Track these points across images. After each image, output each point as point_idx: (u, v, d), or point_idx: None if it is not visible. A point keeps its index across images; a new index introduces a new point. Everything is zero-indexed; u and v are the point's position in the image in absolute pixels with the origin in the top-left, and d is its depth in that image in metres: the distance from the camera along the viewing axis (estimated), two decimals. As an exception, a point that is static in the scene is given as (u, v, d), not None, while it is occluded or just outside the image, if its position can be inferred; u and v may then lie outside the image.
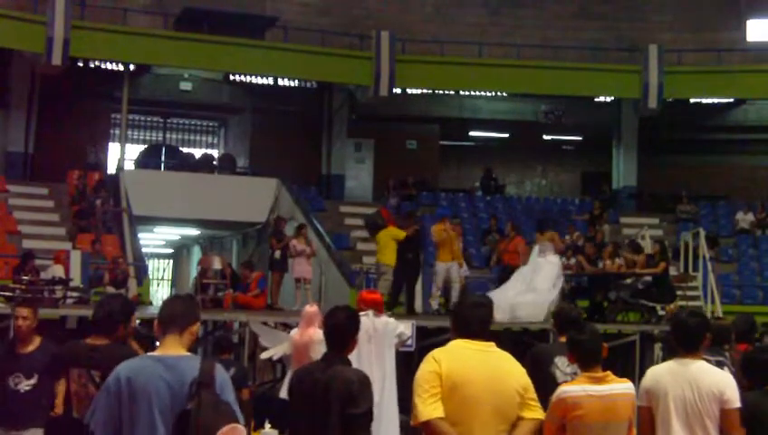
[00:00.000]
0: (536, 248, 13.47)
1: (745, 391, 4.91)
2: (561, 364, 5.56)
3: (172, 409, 3.74)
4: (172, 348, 3.88)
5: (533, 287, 13.00)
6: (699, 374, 4.73)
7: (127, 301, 5.55)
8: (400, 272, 14.08)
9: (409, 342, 7.98)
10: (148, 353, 4.02)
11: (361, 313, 6.79)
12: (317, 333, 7.18)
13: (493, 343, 4.28)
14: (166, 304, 4.17)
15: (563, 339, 5.64)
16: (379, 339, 7.28)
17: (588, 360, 4.63)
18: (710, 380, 4.70)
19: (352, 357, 4.68)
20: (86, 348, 4.88)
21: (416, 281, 14.33)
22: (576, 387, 4.57)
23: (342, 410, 4.23)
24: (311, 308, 7.80)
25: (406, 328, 7.71)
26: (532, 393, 4.23)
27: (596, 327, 5.06)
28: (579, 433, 4.50)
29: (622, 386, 4.60)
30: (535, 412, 4.20)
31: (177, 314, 3.96)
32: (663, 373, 4.85)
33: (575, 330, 4.85)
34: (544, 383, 5.31)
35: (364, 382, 4.35)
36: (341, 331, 4.56)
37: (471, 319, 4.29)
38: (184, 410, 3.68)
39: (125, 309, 5.05)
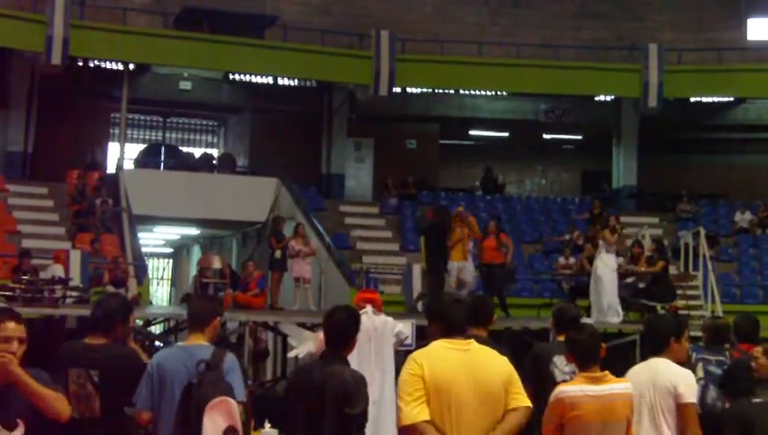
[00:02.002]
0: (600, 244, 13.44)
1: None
2: (560, 363, 5.55)
3: (186, 381, 4.54)
4: (195, 340, 4.78)
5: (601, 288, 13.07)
6: (658, 371, 4.85)
7: (125, 300, 5.55)
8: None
9: (408, 341, 7.97)
10: (177, 344, 4.90)
11: (361, 311, 6.83)
12: None
13: (472, 340, 4.24)
14: (193, 304, 5.14)
15: (562, 338, 5.64)
16: (378, 338, 7.29)
17: (586, 359, 4.62)
18: (666, 376, 4.81)
19: (352, 356, 4.68)
20: (85, 348, 4.87)
21: (433, 277, 13.67)
22: (574, 387, 4.56)
23: (338, 410, 4.24)
24: None
25: (405, 327, 7.71)
26: (518, 383, 4.17)
27: (594, 327, 5.07)
28: (577, 433, 4.50)
29: (620, 386, 4.60)
30: (521, 401, 4.15)
31: (201, 313, 4.85)
32: (632, 373, 4.97)
33: (574, 329, 4.86)
34: (544, 383, 5.32)
35: (360, 383, 4.35)
36: (341, 330, 4.57)
37: (450, 317, 4.24)
38: (189, 383, 4.48)
39: (123, 308, 5.06)
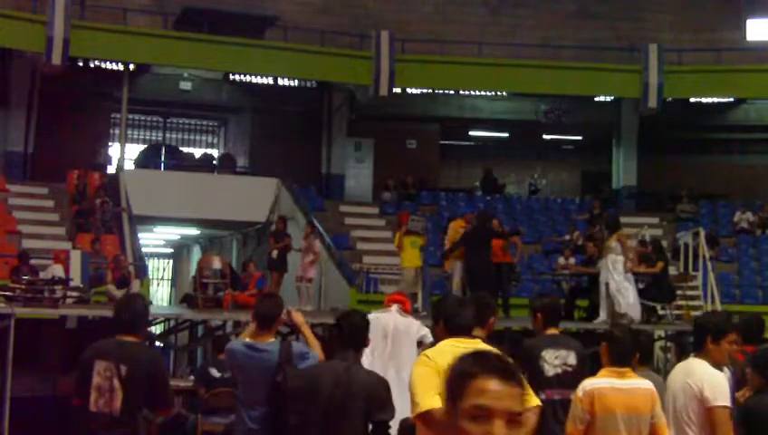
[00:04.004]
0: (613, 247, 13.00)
1: (754, 390, 4.90)
2: (549, 357, 5.66)
3: (263, 378, 5.15)
4: (260, 337, 5.35)
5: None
6: (691, 372, 4.77)
7: (144, 299, 5.64)
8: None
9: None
10: (244, 340, 5.48)
11: (387, 309, 7.06)
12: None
13: (479, 340, 4.28)
14: (261, 302, 5.69)
15: (551, 331, 5.79)
16: (397, 338, 7.20)
17: (620, 358, 4.69)
18: (694, 378, 4.71)
19: (366, 353, 4.72)
20: (118, 343, 4.93)
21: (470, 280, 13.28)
22: (602, 380, 4.65)
23: (369, 416, 4.26)
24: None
25: (429, 332, 7.62)
26: (526, 384, 4.20)
27: (633, 330, 5.13)
28: (606, 424, 4.56)
29: (643, 382, 4.70)
30: (531, 401, 4.18)
31: (270, 313, 5.40)
32: (672, 372, 5.00)
33: (616, 325, 4.93)
34: (535, 376, 5.42)
35: (387, 387, 4.40)
36: (358, 331, 4.63)
37: (456, 318, 4.27)
38: (275, 382, 5.06)
39: (146, 310, 5.18)
